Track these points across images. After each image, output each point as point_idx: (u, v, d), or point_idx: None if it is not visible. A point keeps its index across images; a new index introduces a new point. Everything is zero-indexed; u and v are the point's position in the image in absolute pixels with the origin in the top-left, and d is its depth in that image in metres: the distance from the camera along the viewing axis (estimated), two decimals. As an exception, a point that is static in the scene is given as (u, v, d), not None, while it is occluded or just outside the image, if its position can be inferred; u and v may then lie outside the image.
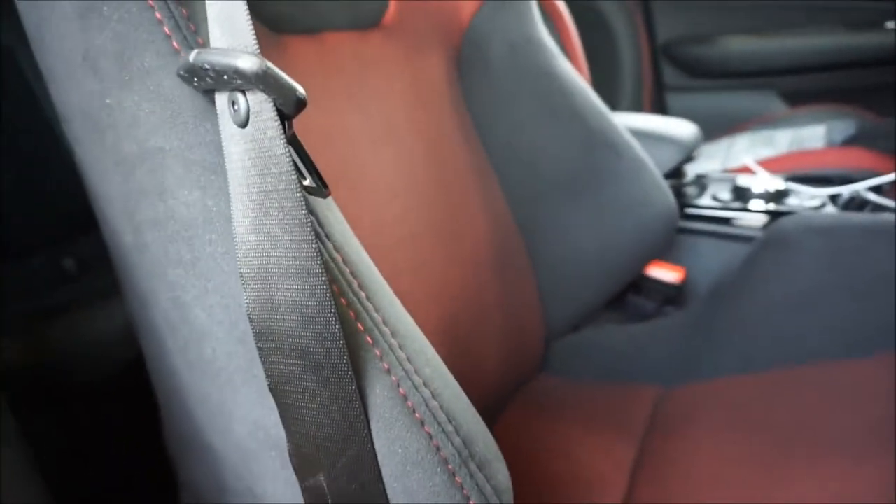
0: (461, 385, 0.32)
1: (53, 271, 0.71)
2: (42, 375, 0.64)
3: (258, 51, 0.24)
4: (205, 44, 0.27)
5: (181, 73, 0.26)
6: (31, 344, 0.65)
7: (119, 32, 0.27)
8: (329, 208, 0.30)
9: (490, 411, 0.69)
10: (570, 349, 0.78)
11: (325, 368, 0.25)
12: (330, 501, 0.27)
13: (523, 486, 0.58)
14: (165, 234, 0.29)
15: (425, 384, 0.28)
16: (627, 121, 0.94)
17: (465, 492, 0.27)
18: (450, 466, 0.27)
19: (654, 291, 0.86)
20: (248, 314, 0.26)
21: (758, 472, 0.54)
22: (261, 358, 0.26)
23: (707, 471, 0.56)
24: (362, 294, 0.28)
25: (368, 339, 0.27)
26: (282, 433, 0.28)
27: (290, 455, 0.27)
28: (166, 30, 0.27)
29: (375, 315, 0.28)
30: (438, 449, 0.27)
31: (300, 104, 0.25)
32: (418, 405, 0.27)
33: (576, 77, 0.74)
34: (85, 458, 0.64)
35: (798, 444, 0.55)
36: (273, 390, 0.26)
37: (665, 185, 0.76)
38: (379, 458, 0.26)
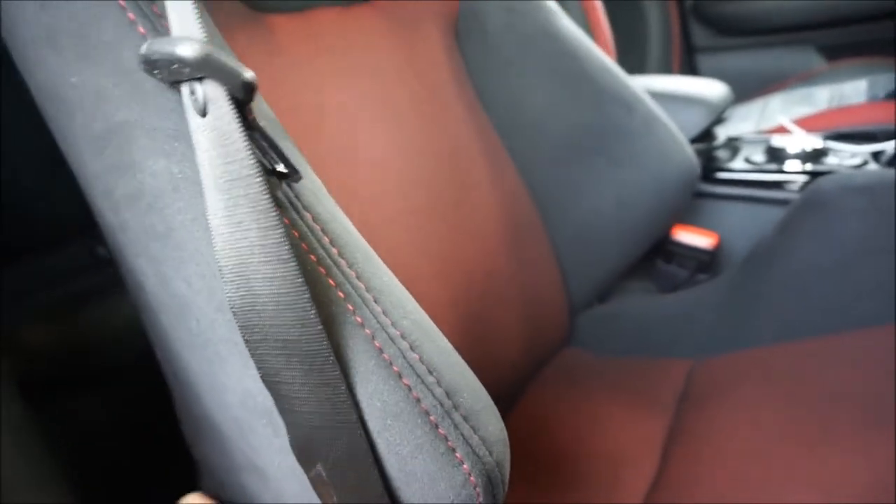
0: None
1: (87, 258, 0.72)
2: (75, 358, 0.65)
3: (204, 36, 0.24)
4: (163, 17, 0.27)
5: (143, 67, 0.26)
6: (66, 328, 0.66)
7: (76, 9, 0.27)
8: (312, 186, 0.30)
9: (516, 387, 0.68)
10: (598, 321, 0.76)
11: (307, 356, 0.25)
12: (334, 492, 0.27)
13: (551, 461, 0.58)
14: (140, 208, 0.29)
15: (403, 336, 0.27)
16: (652, 83, 0.91)
17: (449, 443, 0.27)
18: (432, 418, 0.26)
19: (686, 258, 0.83)
20: (231, 307, 0.25)
21: (797, 446, 0.52)
22: (250, 352, 0.26)
23: (742, 445, 0.54)
24: (333, 250, 0.28)
25: (340, 293, 0.27)
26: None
27: (292, 446, 0.27)
28: (121, 2, 0.27)
29: (348, 270, 0.28)
30: (419, 401, 0.26)
31: (249, 88, 0.24)
32: (395, 357, 0.27)
33: (579, 35, 0.72)
34: (115, 437, 0.66)
35: (839, 416, 0.53)
36: (266, 382, 0.26)
37: (682, 139, 0.73)
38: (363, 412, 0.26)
